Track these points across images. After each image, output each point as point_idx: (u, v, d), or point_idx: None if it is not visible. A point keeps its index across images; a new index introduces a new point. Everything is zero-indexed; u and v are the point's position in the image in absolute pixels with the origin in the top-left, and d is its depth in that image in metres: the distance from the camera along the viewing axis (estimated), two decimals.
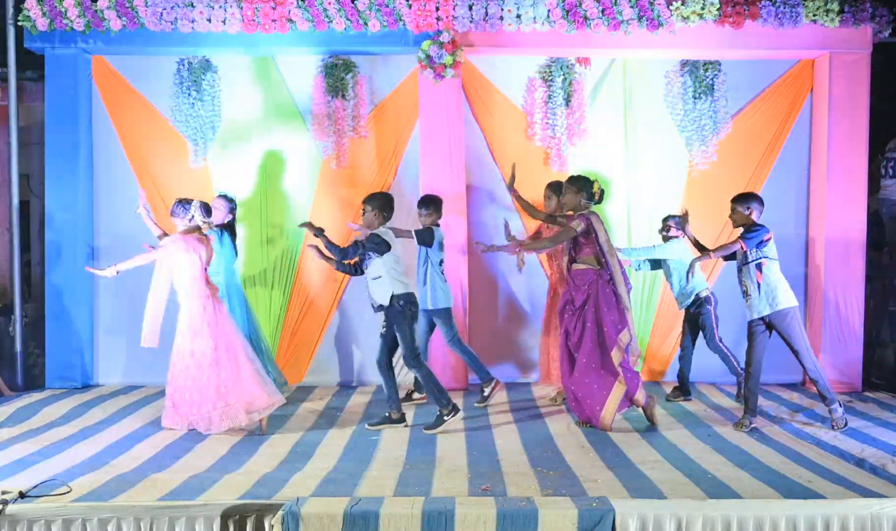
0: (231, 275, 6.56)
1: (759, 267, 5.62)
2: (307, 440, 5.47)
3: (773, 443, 5.34)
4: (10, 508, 3.81)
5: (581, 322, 5.71)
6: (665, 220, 6.72)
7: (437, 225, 6.47)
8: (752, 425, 5.72)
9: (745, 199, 5.79)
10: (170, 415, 5.65)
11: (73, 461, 4.86)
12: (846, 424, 5.68)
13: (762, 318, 5.68)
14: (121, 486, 4.29)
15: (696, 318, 6.62)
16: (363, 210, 5.67)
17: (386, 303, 5.62)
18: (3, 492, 3.96)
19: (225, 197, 6.59)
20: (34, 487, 4.08)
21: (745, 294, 5.71)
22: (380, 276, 5.60)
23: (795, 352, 5.73)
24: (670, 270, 6.66)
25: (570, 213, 5.91)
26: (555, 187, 6.45)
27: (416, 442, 5.40)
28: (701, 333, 6.66)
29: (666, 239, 6.66)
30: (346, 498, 3.94)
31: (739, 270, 5.75)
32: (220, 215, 6.48)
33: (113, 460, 4.91)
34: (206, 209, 5.80)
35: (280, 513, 3.73)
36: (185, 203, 5.69)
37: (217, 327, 5.57)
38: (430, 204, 6.45)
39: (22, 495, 3.95)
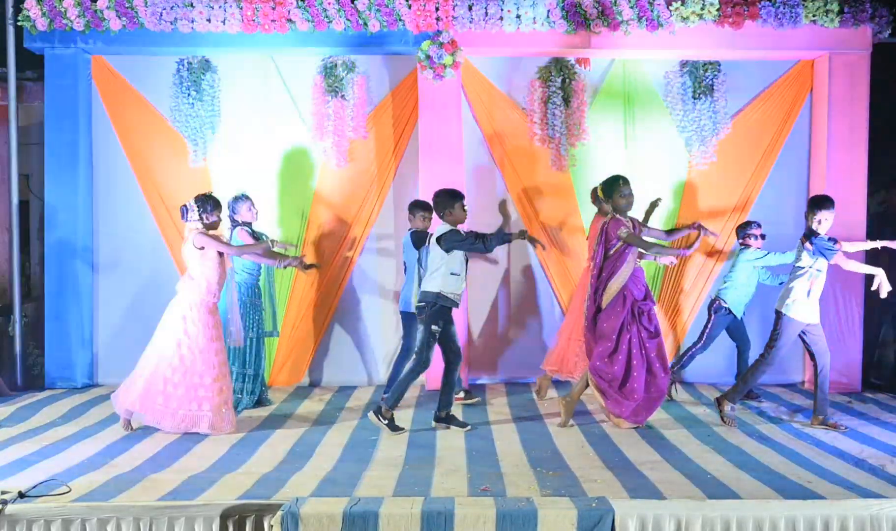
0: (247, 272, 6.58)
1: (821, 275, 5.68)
2: (306, 440, 5.47)
3: (772, 443, 5.35)
4: (10, 508, 3.81)
5: (655, 322, 5.80)
6: (746, 226, 6.70)
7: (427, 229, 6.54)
8: (734, 411, 5.86)
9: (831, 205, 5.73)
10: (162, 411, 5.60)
11: (73, 461, 4.86)
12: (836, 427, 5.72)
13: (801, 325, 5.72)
14: (120, 486, 4.29)
15: (729, 331, 6.73)
16: (449, 212, 5.69)
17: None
18: (3, 492, 3.96)
19: (248, 197, 6.52)
20: (34, 487, 4.09)
21: (809, 295, 5.65)
22: (457, 272, 5.71)
23: (819, 362, 5.76)
24: (752, 276, 6.63)
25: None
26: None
27: (415, 442, 5.40)
28: (731, 338, 6.76)
29: (746, 246, 6.64)
30: (345, 498, 3.94)
31: (807, 272, 5.66)
32: (251, 215, 6.47)
33: (112, 460, 4.91)
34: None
35: (279, 513, 3.74)
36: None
37: (219, 328, 5.73)
38: (429, 207, 6.46)
39: (21, 495, 3.95)
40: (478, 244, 5.64)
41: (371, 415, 5.72)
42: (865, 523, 3.77)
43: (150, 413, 5.52)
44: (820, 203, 5.68)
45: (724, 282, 6.71)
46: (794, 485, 4.34)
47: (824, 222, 5.63)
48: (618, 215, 5.73)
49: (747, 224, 6.75)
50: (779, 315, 5.76)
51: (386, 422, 5.64)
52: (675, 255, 6.57)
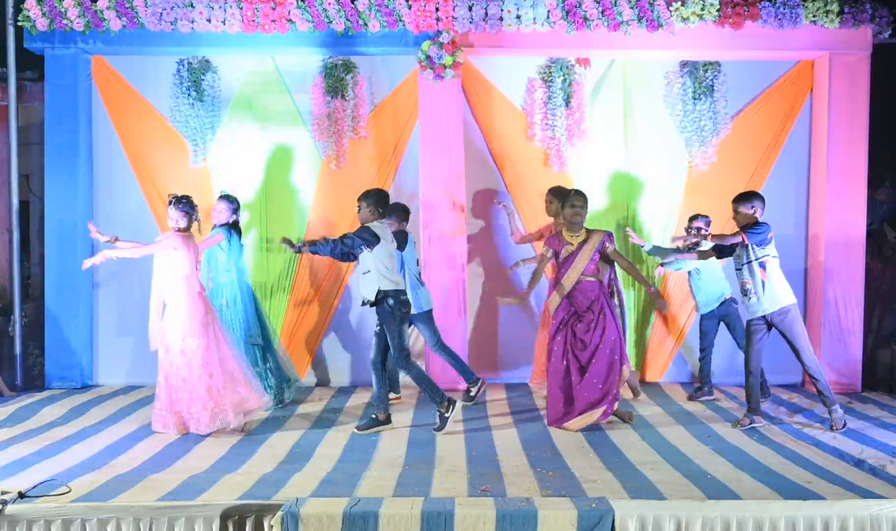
0: (241, 274, 6.55)
1: (762, 265, 5.61)
2: (306, 440, 5.47)
3: (772, 443, 5.35)
4: (10, 508, 3.81)
5: (598, 333, 5.71)
6: (692, 219, 6.67)
7: (405, 230, 6.54)
8: (753, 424, 5.73)
9: (747, 198, 5.76)
10: (159, 417, 5.62)
11: (73, 461, 4.86)
12: (845, 425, 5.68)
13: (763, 317, 5.69)
14: (120, 487, 4.29)
15: (721, 321, 6.69)
16: (358, 207, 5.69)
17: (372, 298, 5.60)
18: (3, 492, 3.96)
19: (227, 198, 6.57)
20: (34, 487, 4.09)
21: (747, 293, 5.69)
22: (368, 271, 5.59)
23: (796, 350, 5.72)
24: (699, 274, 6.62)
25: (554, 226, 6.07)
26: (556, 192, 6.46)
27: (415, 442, 5.40)
28: (731, 335, 6.72)
29: (693, 240, 6.59)
30: (345, 498, 3.94)
31: (739, 269, 5.74)
32: (223, 216, 6.47)
33: (112, 460, 4.91)
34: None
35: (279, 513, 3.74)
36: (192, 204, 5.71)
37: (208, 326, 5.62)
38: (398, 210, 6.47)
39: (21, 495, 3.95)
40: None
41: (439, 429, 5.65)
42: (865, 523, 3.77)
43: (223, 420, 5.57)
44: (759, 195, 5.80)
45: (691, 285, 6.81)
46: (794, 485, 4.34)
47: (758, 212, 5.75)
48: (561, 229, 5.89)
49: (693, 217, 6.69)
50: (746, 324, 5.87)
51: (446, 413, 5.65)
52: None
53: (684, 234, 6.65)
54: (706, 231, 6.58)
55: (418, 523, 3.70)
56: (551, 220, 6.64)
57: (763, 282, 5.62)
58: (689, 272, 6.71)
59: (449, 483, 4.42)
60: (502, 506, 3.82)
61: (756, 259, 5.63)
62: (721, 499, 4.03)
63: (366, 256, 5.59)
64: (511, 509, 3.77)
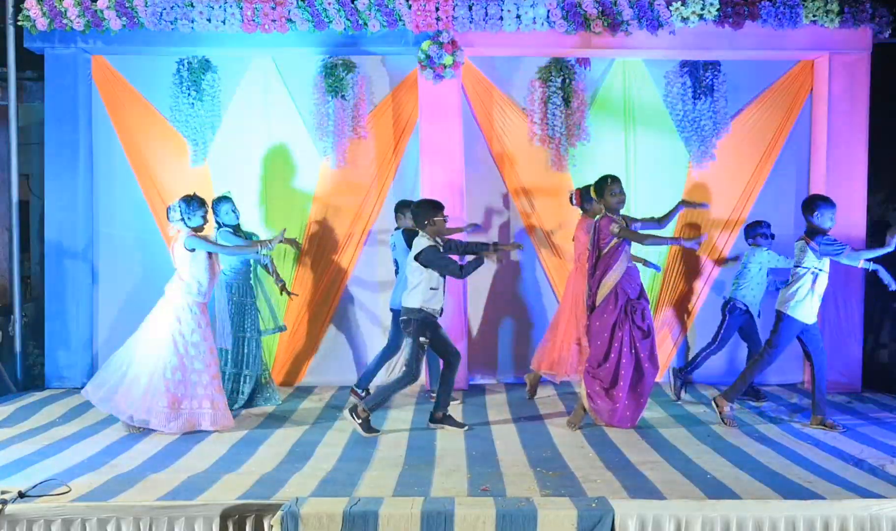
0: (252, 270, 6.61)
1: (815, 275, 5.69)
2: (306, 440, 5.47)
3: (772, 443, 5.35)
4: (10, 508, 3.82)
5: (650, 319, 5.72)
6: (756, 226, 6.66)
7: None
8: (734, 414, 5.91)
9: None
10: (169, 416, 5.57)
11: (73, 461, 4.86)
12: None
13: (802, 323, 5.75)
14: (120, 486, 4.29)
15: (740, 328, 6.68)
16: (430, 223, 5.62)
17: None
18: (3, 492, 3.97)
19: (230, 199, 6.55)
20: (34, 487, 4.09)
21: (813, 296, 5.69)
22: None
23: (816, 362, 5.78)
24: (759, 271, 6.58)
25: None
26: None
27: (415, 442, 5.40)
28: (747, 343, 6.71)
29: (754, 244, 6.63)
30: (345, 498, 3.95)
31: (802, 270, 5.69)
32: (232, 217, 6.46)
33: (112, 460, 4.91)
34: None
35: (279, 513, 3.74)
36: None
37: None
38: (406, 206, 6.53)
39: (21, 495, 3.96)
40: (453, 269, 5.61)
41: (346, 412, 5.69)
42: (865, 523, 3.77)
43: (155, 417, 5.51)
44: (826, 201, 5.72)
45: (737, 281, 6.66)
46: (794, 485, 4.34)
47: (831, 221, 5.66)
48: (608, 213, 5.71)
49: (757, 223, 6.69)
50: (780, 315, 5.75)
51: (360, 421, 5.55)
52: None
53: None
54: (769, 235, 6.61)
55: (418, 523, 3.71)
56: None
57: (819, 294, 5.72)
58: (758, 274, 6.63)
59: (449, 483, 4.42)
60: (502, 505, 3.82)
61: (825, 270, 5.70)
62: (721, 499, 4.03)
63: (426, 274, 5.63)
64: (511, 509, 3.77)
